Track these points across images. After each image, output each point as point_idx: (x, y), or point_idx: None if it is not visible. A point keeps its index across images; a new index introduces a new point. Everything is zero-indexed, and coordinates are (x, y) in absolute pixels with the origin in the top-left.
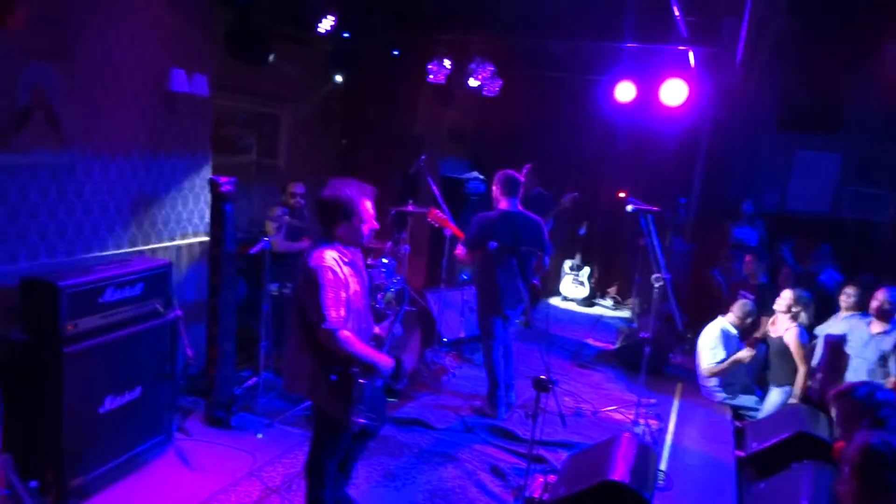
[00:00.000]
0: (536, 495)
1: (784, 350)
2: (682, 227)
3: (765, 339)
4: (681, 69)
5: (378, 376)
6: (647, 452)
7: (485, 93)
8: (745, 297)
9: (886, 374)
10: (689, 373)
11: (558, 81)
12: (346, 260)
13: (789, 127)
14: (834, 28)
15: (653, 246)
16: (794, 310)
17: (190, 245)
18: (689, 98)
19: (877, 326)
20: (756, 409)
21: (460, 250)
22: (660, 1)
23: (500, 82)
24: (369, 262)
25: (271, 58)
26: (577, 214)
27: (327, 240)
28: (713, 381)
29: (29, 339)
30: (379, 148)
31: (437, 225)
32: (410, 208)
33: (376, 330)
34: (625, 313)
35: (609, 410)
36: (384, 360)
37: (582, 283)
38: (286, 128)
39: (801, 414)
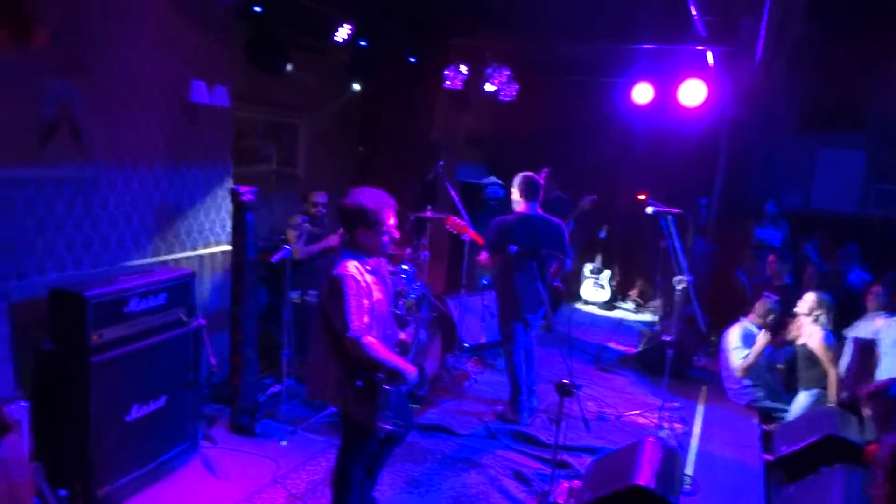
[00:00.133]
0: (561, 501)
1: (810, 354)
2: (703, 228)
3: (792, 342)
4: (699, 69)
5: (403, 383)
6: (672, 457)
7: (501, 97)
8: (767, 297)
9: None
10: (713, 375)
11: (575, 84)
12: (368, 269)
13: (811, 125)
14: (854, 25)
15: (674, 248)
16: (816, 313)
17: (212, 254)
18: (708, 98)
19: None
20: (784, 411)
21: (483, 256)
22: (677, 1)
23: (517, 86)
24: (390, 269)
25: (289, 67)
26: (597, 217)
27: (351, 248)
28: (743, 383)
29: (57, 349)
30: (397, 155)
31: (455, 232)
32: (429, 214)
33: (402, 336)
34: (646, 316)
35: (633, 414)
36: (409, 368)
37: (603, 287)
38: (305, 137)
39: (830, 416)
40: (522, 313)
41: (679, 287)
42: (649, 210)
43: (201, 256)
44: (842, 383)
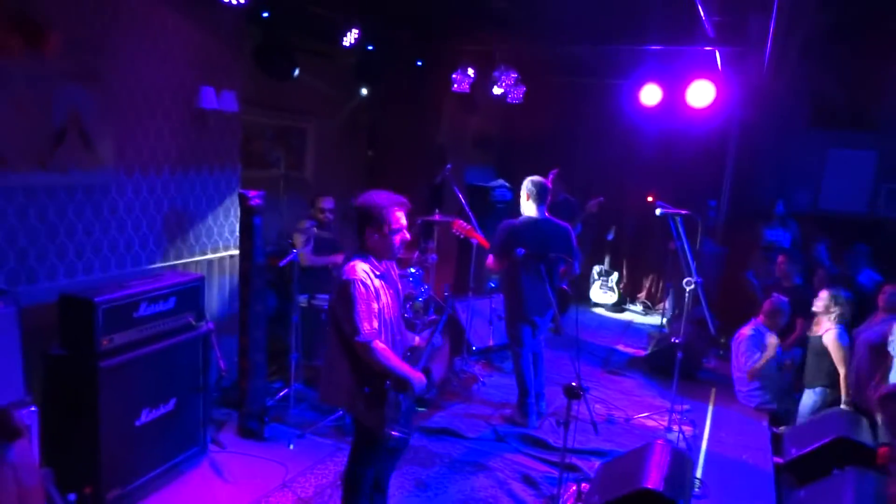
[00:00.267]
0: None
1: (820, 350)
2: (712, 229)
3: (802, 343)
4: (707, 70)
5: (410, 391)
6: (682, 459)
7: (509, 100)
8: (777, 298)
9: None
10: (723, 378)
11: (583, 86)
12: (377, 273)
13: (821, 125)
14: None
15: (683, 249)
16: (832, 310)
17: (221, 259)
18: (716, 99)
19: None
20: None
21: (490, 260)
22: (684, 2)
23: (524, 89)
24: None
25: (297, 72)
26: (605, 219)
27: (360, 252)
28: (753, 385)
29: (67, 354)
30: (404, 158)
31: (462, 235)
32: (437, 217)
33: (416, 340)
34: (655, 319)
35: (642, 417)
36: (417, 376)
37: (611, 289)
38: (313, 141)
39: (841, 418)
40: (530, 316)
41: (688, 289)
42: (658, 212)
43: (210, 261)
44: (851, 383)
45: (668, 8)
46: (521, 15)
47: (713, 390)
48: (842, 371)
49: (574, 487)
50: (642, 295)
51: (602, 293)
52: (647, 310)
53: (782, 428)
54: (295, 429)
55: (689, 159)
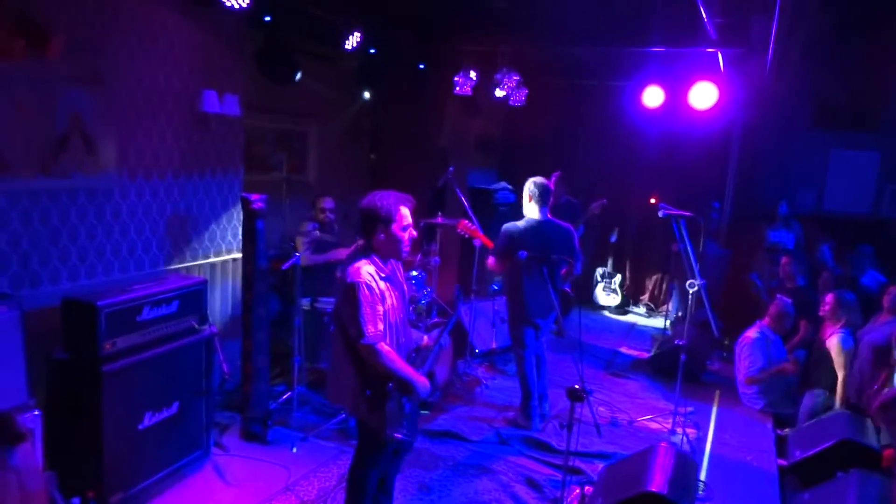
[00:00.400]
0: None
1: (824, 353)
2: (715, 231)
3: (806, 344)
4: (710, 71)
5: (414, 395)
6: (685, 462)
7: (511, 102)
8: (782, 301)
9: None
10: (727, 380)
11: (585, 88)
12: (383, 275)
13: (824, 126)
14: (867, 23)
15: (686, 251)
16: (839, 314)
17: (223, 262)
18: (719, 100)
19: None
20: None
21: (491, 260)
22: (686, 3)
23: (526, 91)
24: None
25: (299, 76)
26: (608, 221)
27: (366, 253)
28: (756, 388)
29: (70, 358)
30: (407, 161)
31: (466, 235)
32: (440, 220)
33: (425, 339)
34: (658, 321)
35: (645, 420)
36: (421, 380)
37: (614, 291)
38: (315, 144)
39: (845, 421)
40: (533, 318)
41: (691, 290)
42: (661, 213)
43: (213, 264)
44: (852, 385)
45: (670, 9)
46: (522, 17)
47: (717, 392)
48: (840, 375)
49: (578, 490)
50: (645, 297)
51: (605, 295)
52: (651, 312)
53: (786, 430)
54: (298, 432)
55: (692, 161)
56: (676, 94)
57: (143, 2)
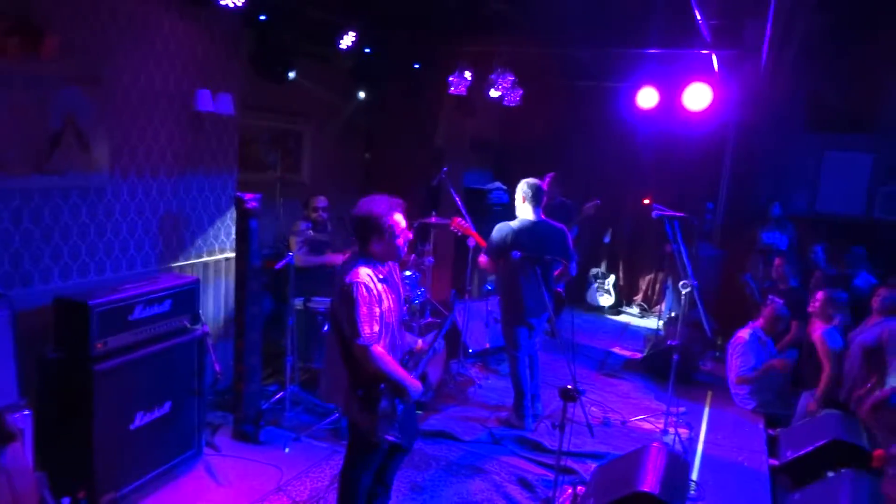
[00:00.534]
0: None
1: (815, 352)
2: (709, 232)
3: (798, 344)
4: (704, 73)
5: (406, 397)
6: (677, 462)
7: (506, 103)
8: (775, 301)
9: None
10: (719, 380)
11: (580, 89)
12: (380, 277)
13: (818, 128)
14: (863, 25)
15: (680, 252)
16: (828, 311)
17: (216, 261)
18: (713, 102)
19: None
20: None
21: (483, 258)
22: (681, 5)
23: (521, 92)
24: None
25: (293, 75)
26: (602, 222)
27: (362, 256)
28: (748, 388)
29: (61, 358)
30: (402, 161)
31: (460, 233)
32: (434, 220)
33: (419, 343)
34: (651, 322)
35: (638, 420)
36: (413, 383)
37: (608, 292)
38: (310, 144)
39: (836, 420)
40: (526, 318)
41: (684, 291)
42: (654, 214)
43: (206, 264)
44: (841, 384)
45: (665, 12)
46: (518, 18)
47: (709, 393)
48: (826, 368)
49: (570, 490)
50: (639, 297)
51: (599, 296)
52: (644, 312)
53: (778, 430)
54: (290, 432)
55: (686, 162)
56: (671, 96)
57: (138, 1)
